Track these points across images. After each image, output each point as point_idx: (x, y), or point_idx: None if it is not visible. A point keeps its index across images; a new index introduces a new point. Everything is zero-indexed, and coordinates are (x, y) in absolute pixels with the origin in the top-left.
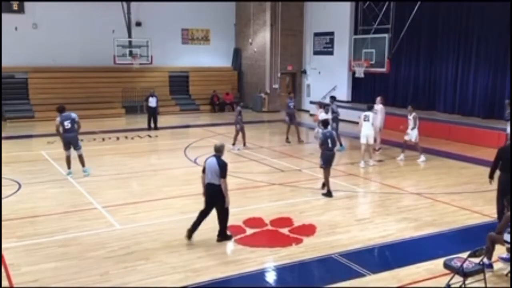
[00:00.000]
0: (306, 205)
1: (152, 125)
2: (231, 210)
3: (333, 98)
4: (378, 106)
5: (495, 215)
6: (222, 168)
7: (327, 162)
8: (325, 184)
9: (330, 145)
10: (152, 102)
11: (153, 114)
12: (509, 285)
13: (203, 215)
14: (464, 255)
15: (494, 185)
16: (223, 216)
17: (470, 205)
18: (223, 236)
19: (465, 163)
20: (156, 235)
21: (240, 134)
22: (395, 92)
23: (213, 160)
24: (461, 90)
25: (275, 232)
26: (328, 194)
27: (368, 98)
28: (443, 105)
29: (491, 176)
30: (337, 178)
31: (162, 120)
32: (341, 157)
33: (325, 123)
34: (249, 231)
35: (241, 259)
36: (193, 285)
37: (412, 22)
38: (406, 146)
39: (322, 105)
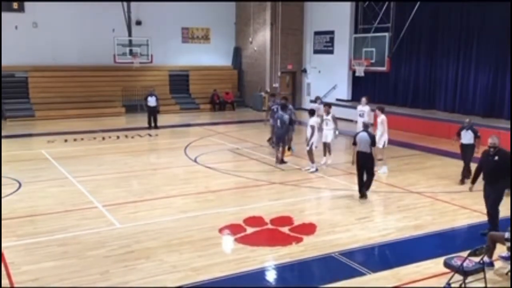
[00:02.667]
0: (306, 204)
1: (152, 124)
2: (231, 209)
3: (285, 99)
4: (365, 108)
5: None
6: (372, 139)
7: (276, 138)
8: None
9: (278, 124)
10: (151, 101)
11: (152, 113)
12: (509, 284)
13: (360, 177)
14: (464, 254)
15: None
16: (369, 177)
17: (470, 204)
18: (364, 195)
19: None
20: (156, 234)
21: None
22: (395, 91)
23: (364, 134)
24: (462, 89)
25: (275, 231)
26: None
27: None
28: (444, 104)
29: None
30: (337, 177)
31: (162, 119)
32: (341, 156)
33: (283, 107)
34: (249, 230)
35: (241, 258)
36: (193, 284)
37: (413, 21)
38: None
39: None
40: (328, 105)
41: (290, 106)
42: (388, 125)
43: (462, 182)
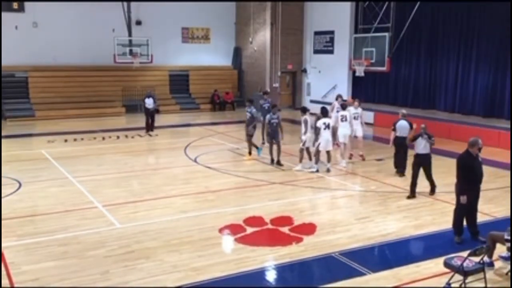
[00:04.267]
0: (306, 204)
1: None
2: (231, 209)
3: (250, 101)
4: (358, 110)
5: (495, 214)
6: (411, 126)
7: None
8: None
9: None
10: (148, 103)
11: (149, 115)
12: (509, 284)
13: (397, 157)
14: (464, 254)
15: (495, 183)
16: (405, 157)
17: None
18: (402, 172)
19: None
20: (156, 234)
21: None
22: (396, 91)
23: (403, 122)
24: (462, 89)
25: (275, 231)
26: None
27: (369, 97)
28: (444, 104)
29: None
30: (337, 177)
31: (162, 119)
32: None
33: (273, 106)
34: (249, 230)
35: (241, 258)
36: (193, 284)
37: (413, 21)
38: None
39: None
40: (302, 109)
41: (252, 109)
42: (388, 125)
43: (412, 195)
